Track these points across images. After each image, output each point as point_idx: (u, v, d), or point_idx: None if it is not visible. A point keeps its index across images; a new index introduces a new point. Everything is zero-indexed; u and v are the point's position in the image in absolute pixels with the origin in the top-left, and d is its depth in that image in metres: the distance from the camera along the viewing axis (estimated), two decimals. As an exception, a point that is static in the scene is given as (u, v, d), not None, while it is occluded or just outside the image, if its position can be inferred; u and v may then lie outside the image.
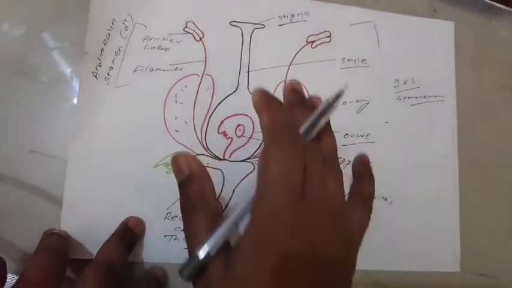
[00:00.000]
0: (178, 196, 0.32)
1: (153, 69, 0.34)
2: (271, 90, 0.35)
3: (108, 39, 0.33)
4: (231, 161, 0.34)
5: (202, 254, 0.20)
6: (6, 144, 0.32)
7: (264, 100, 0.22)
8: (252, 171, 0.34)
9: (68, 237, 0.30)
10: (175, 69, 0.34)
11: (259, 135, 0.34)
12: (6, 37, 0.33)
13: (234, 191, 0.34)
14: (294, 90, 0.26)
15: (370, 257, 0.34)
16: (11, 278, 0.29)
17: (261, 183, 0.20)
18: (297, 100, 0.26)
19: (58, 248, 0.28)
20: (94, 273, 0.27)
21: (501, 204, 0.38)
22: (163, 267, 0.32)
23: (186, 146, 0.33)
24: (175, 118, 0.33)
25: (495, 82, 0.39)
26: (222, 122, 0.34)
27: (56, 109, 0.33)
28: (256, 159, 0.34)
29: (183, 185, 0.22)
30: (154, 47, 0.34)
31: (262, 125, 0.22)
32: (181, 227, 0.32)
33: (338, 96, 0.24)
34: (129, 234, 0.30)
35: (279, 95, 0.35)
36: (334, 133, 0.35)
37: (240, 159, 0.34)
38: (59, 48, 0.33)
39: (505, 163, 0.39)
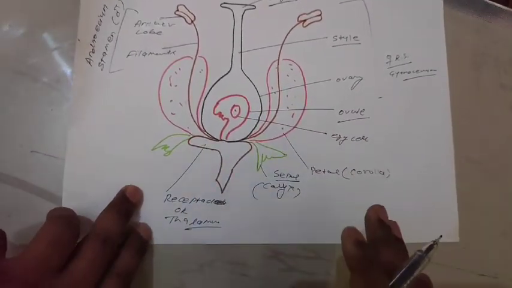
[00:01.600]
0: (177, 178, 0.33)
1: (146, 54, 0.34)
2: (264, 70, 0.35)
3: (100, 25, 0.33)
4: (228, 142, 0.34)
5: None
6: (6, 144, 0.32)
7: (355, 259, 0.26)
8: (249, 151, 0.34)
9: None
10: (168, 52, 0.34)
11: (255, 115, 0.35)
12: (6, 37, 0.33)
13: (232, 171, 0.34)
14: (380, 222, 0.30)
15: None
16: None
17: None
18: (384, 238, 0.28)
19: (68, 216, 0.28)
20: (91, 243, 0.27)
21: (501, 204, 0.38)
22: (165, 248, 0.33)
23: (182, 128, 0.34)
24: (171, 101, 0.34)
25: (495, 82, 0.39)
26: (217, 103, 0.34)
27: (56, 109, 0.33)
28: (253, 138, 0.34)
29: None
30: (147, 32, 0.34)
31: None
32: (182, 209, 0.33)
33: (430, 248, 0.25)
34: (126, 204, 0.31)
35: (272, 75, 0.35)
36: (329, 110, 0.36)
37: (237, 139, 0.34)
38: (59, 48, 0.33)
39: (504, 163, 0.38)
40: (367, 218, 0.31)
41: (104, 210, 0.30)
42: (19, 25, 0.33)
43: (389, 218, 0.35)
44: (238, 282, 0.33)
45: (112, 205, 0.30)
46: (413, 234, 0.36)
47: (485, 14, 0.40)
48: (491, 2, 0.40)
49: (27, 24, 0.33)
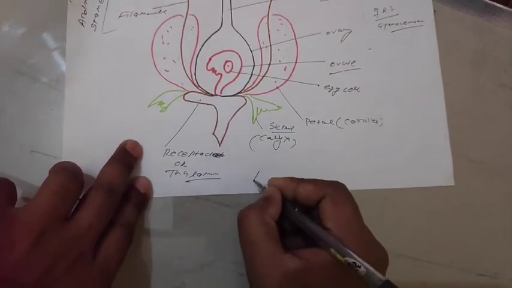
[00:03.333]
0: (175, 133, 0.33)
1: (137, 14, 0.34)
2: (254, 26, 0.36)
3: (90, -13, 0.34)
4: (222, 96, 0.35)
5: None
6: (6, 144, 0.32)
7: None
8: (244, 105, 0.35)
9: None
10: (159, 11, 0.35)
11: (247, 70, 0.35)
12: (6, 37, 0.33)
13: (228, 124, 0.35)
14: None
15: (367, 176, 0.35)
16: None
17: None
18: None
19: (72, 167, 0.28)
20: (96, 193, 0.28)
21: (501, 204, 0.38)
22: (167, 201, 0.33)
23: (177, 85, 0.34)
24: (164, 58, 0.34)
25: (495, 82, 0.39)
26: (210, 59, 0.35)
27: (56, 109, 0.33)
28: (248, 92, 0.35)
29: None
30: (137, -8, 0.34)
31: None
32: (181, 162, 0.34)
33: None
34: (127, 156, 0.31)
35: (263, 30, 0.36)
36: (321, 62, 0.37)
37: (232, 94, 0.35)
38: (59, 48, 0.33)
39: (504, 163, 0.38)
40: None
41: (106, 163, 0.30)
42: (19, 25, 0.33)
43: (384, 164, 0.36)
44: (238, 282, 0.33)
45: (114, 158, 0.31)
46: (409, 180, 0.37)
47: (485, 14, 0.40)
48: (491, 2, 0.40)
49: (27, 24, 0.33)
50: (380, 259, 0.26)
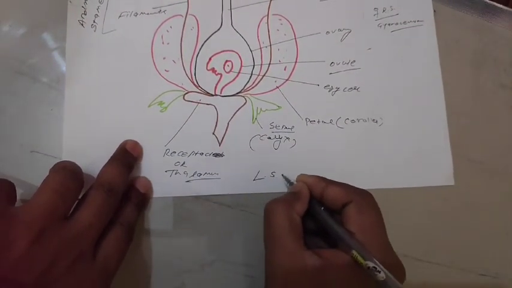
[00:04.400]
0: (175, 133, 0.33)
1: (137, 14, 0.34)
2: (254, 25, 0.36)
3: (90, -13, 0.34)
4: (222, 96, 0.35)
5: None
6: (6, 144, 0.32)
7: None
8: (244, 104, 0.35)
9: None
10: (159, 11, 0.35)
11: (247, 70, 0.35)
12: (6, 37, 0.33)
13: (228, 124, 0.35)
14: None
15: (367, 176, 0.35)
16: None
17: None
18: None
19: (72, 166, 0.28)
20: (96, 193, 0.28)
21: (501, 204, 0.38)
22: (167, 201, 0.33)
23: (176, 85, 0.34)
24: (164, 58, 0.34)
25: (495, 82, 0.39)
26: (209, 59, 0.35)
27: (56, 109, 0.33)
28: (247, 92, 0.35)
29: None
30: (137, -8, 0.34)
31: None
32: (181, 162, 0.34)
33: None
34: (127, 156, 0.32)
35: (263, 30, 0.36)
36: (321, 62, 0.37)
37: (232, 94, 0.35)
38: (59, 48, 0.33)
39: (504, 163, 0.38)
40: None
41: (106, 163, 0.30)
42: (19, 25, 0.33)
43: (384, 164, 0.36)
44: (239, 282, 0.33)
45: (114, 158, 0.31)
46: (409, 180, 0.37)
47: (485, 14, 0.40)
48: (491, 2, 0.40)
49: (27, 24, 0.33)
50: (396, 273, 0.26)
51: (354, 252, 0.25)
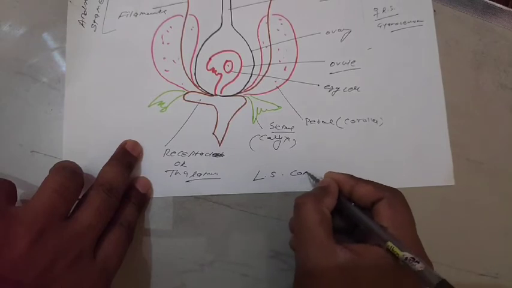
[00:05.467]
0: (175, 133, 0.33)
1: (137, 14, 0.34)
2: (254, 25, 0.36)
3: (90, -13, 0.34)
4: (222, 96, 0.35)
5: None
6: (6, 144, 0.32)
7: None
8: (244, 105, 0.35)
9: None
10: (159, 11, 0.35)
11: (247, 70, 0.35)
12: (6, 37, 0.33)
13: (228, 124, 0.35)
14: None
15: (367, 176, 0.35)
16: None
17: None
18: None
19: (72, 166, 0.28)
20: (96, 192, 0.28)
21: (501, 204, 0.38)
22: (167, 201, 0.33)
23: (176, 85, 0.34)
24: (164, 58, 0.34)
25: (495, 82, 0.39)
26: (210, 59, 0.35)
27: (56, 109, 0.33)
28: (247, 92, 0.35)
29: None
30: (137, -8, 0.34)
31: None
32: (181, 162, 0.34)
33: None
34: (127, 156, 0.32)
35: (263, 30, 0.36)
36: (321, 62, 0.37)
37: (232, 94, 0.35)
38: (59, 48, 0.33)
39: (504, 163, 0.38)
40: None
41: (106, 163, 0.30)
42: (19, 25, 0.33)
43: (384, 164, 0.36)
44: (239, 282, 0.33)
45: (114, 158, 0.31)
46: (409, 180, 0.37)
47: (485, 14, 0.40)
48: (491, 2, 0.40)
49: (27, 24, 0.33)
50: None
51: (390, 244, 0.25)
